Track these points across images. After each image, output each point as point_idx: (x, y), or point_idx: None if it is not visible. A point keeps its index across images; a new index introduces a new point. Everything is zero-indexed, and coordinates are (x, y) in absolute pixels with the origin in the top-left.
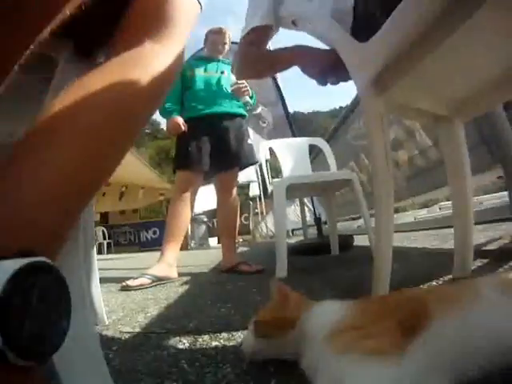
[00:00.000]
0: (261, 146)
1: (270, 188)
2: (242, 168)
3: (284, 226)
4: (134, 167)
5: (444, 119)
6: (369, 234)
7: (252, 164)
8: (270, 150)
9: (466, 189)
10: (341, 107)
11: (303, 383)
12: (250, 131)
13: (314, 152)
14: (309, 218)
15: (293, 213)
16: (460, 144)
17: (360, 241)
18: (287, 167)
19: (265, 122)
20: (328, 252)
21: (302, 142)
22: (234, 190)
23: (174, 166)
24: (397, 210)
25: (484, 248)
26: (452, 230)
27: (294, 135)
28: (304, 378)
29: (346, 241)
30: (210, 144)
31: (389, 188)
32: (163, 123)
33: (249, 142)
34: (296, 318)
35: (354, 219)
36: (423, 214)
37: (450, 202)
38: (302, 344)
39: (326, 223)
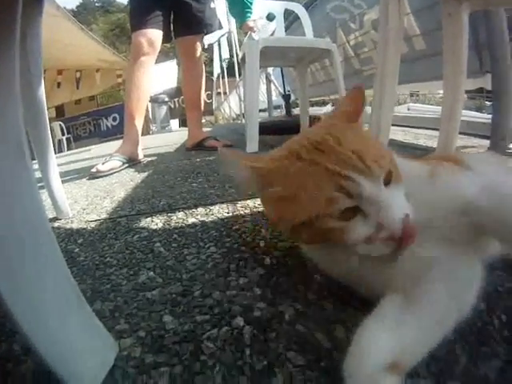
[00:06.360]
0: None
1: (240, 53)
2: (203, 33)
3: (257, 93)
4: (86, 47)
5: None
6: None
7: (212, 31)
8: None
9: (459, 82)
10: None
11: (297, 257)
12: None
13: (288, 20)
14: (274, 98)
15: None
16: (462, 32)
17: None
18: (260, 32)
19: None
20: (297, 132)
21: (278, 5)
22: (198, 55)
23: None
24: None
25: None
26: (423, 131)
27: None
28: (297, 252)
29: (315, 122)
30: (168, 1)
31: (396, 61)
32: None
33: (211, 5)
34: None
35: (318, 105)
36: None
37: (419, 105)
38: None
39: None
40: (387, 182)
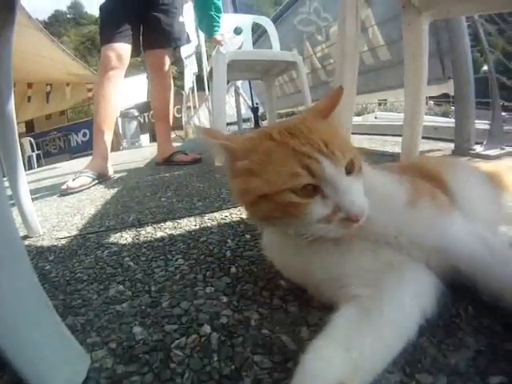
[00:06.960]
0: None
1: (208, 66)
2: (172, 47)
3: (224, 106)
4: (57, 59)
5: (412, 9)
6: None
7: (181, 45)
8: None
9: (420, 89)
10: None
11: (261, 265)
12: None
13: (257, 34)
14: (243, 111)
15: (227, 104)
16: (422, 41)
17: None
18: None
19: None
20: None
21: (246, 19)
22: (166, 69)
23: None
24: None
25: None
26: (390, 138)
27: (236, 11)
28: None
29: None
30: (138, 15)
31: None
32: (87, 5)
33: (180, 19)
34: None
35: (287, 116)
36: (358, 120)
37: (386, 113)
38: None
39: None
40: (349, 171)
